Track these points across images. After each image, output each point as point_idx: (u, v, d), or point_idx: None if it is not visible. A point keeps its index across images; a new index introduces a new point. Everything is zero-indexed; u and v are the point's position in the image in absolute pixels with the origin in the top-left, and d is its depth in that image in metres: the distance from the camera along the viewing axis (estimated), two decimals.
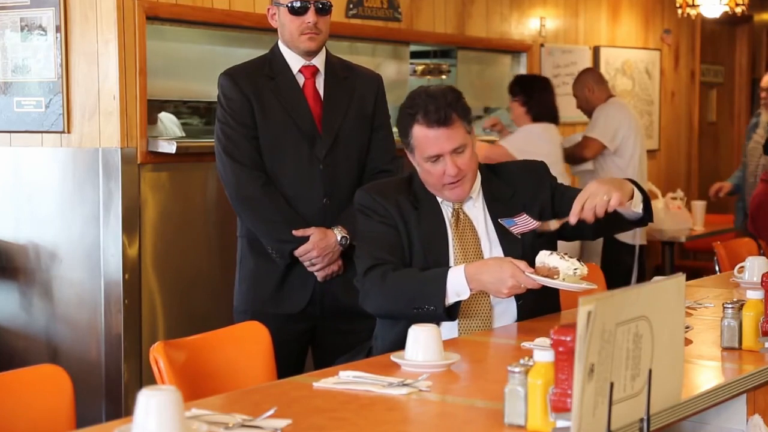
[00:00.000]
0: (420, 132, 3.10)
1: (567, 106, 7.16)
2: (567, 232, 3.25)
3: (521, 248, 3.16)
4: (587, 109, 6.53)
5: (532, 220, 3.20)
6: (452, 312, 3.02)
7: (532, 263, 2.97)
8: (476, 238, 3.19)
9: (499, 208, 3.22)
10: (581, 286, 2.94)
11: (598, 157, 6.43)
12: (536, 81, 6.08)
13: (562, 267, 2.90)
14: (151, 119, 5.06)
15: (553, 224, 3.14)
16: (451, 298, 3.00)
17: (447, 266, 3.10)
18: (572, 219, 3.05)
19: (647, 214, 3.19)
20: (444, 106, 3.08)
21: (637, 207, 3.15)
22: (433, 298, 2.98)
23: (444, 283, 2.98)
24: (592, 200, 3.02)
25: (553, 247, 3.25)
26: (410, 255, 3.15)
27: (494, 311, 3.16)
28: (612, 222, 3.18)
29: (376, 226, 3.16)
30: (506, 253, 3.15)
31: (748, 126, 7.05)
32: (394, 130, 3.55)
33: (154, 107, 4.75)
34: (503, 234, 3.19)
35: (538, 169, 3.34)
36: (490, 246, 3.19)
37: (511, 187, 3.26)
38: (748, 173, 6.74)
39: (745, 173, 6.81)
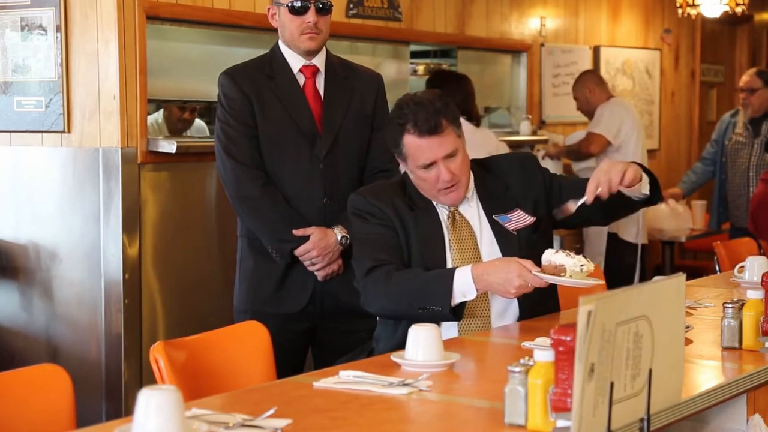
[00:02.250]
0: (411, 142, 3.08)
1: (567, 105, 7.17)
2: (577, 219, 3.25)
3: (517, 244, 3.16)
4: (587, 110, 6.54)
5: (526, 215, 3.20)
6: (457, 312, 3.02)
7: (527, 258, 2.97)
8: (473, 238, 3.18)
9: (493, 204, 3.22)
10: (588, 283, 2.94)
11: (600, 155, 6.44)
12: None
13: (569, 264, 2.90)
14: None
15: (571, 205, 3.12)
16: (457, 299, 2.99)
17: (446, 268, 3.10)
18: (589, 197, 3.04)
19: (655, 194, 3.19)
20: (433, 114, 3.06)
21: (645, 188, 3.15)
22: (439, 298, 2.98)
23: (450, 283, 2.98)
24: (607, 175, 3.01)
25: (549, 241, 3.26)
26: (408, 256, 3.15)
27: (496, 311, 3.16)
28: (621, 204, 3.19)
29: (374, 228, 3.15)
30: (503, 250, 3.15)
31: (720, 126, 6.98)
32: None
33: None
34: (499, 231, 3.19)
35: (528, 162, 3.33)
36: (488, 245, 3.18)
37: (503, 182, 3.25)
38: (733, 173, 6.71)
39: (726, 174, 6.78)
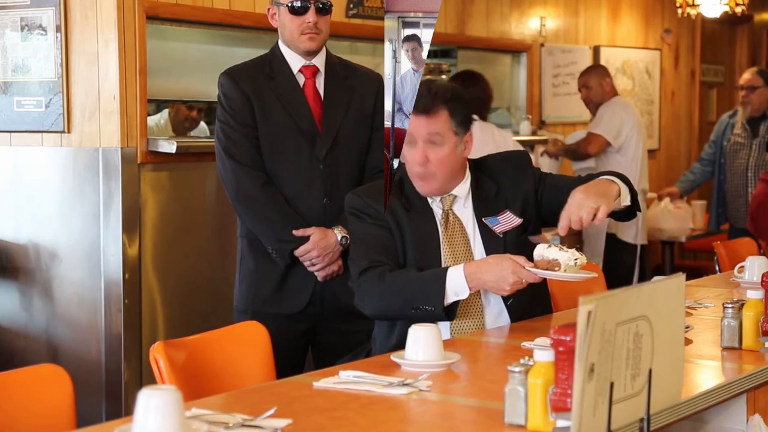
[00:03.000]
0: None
1: (568, 105, 7.18)
2: (556, 219, 3.25)
3: (503, 246, 3.15)
4: (596, 102, 6.52)
5: (514, 217, 3.20)
6: (450, 312, 3.02)
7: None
8: (465, 239, 3.18)
9: (484, 207, 3.22)
10: (582, 276, 2.94)
11: (601, 155, 6.44)
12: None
13: (562, 258, 2.90)
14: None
15: (540, 239, 3.13)
16: (450, 298, 2.99)
17: (440, 267, 3.10)
18: (561, 232, 3.04)
19: (633, 205, 3.18)
20: (432, 96, 3.09)
21: (625, 200, 3.15)
22: (432, 298, 2.98)
23: (443, 282, 2.98)
24: (578, 212, 2.99)
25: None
26: (403, 256, 3.15)
27: (490, 313, 3.15)
28: None
29: (369, 228, 3.16)
30: (488, 252, 3.15)
31: (719, 127, 6.97)
32: None
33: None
34: (486, 233, 3.19)
35: (521, 159, 3.33)
36: (479, 246, 3.18)
37: (495, 181, 3.25)
38: (732, 173, 6.71)
39: (725, 174, 6.78)
